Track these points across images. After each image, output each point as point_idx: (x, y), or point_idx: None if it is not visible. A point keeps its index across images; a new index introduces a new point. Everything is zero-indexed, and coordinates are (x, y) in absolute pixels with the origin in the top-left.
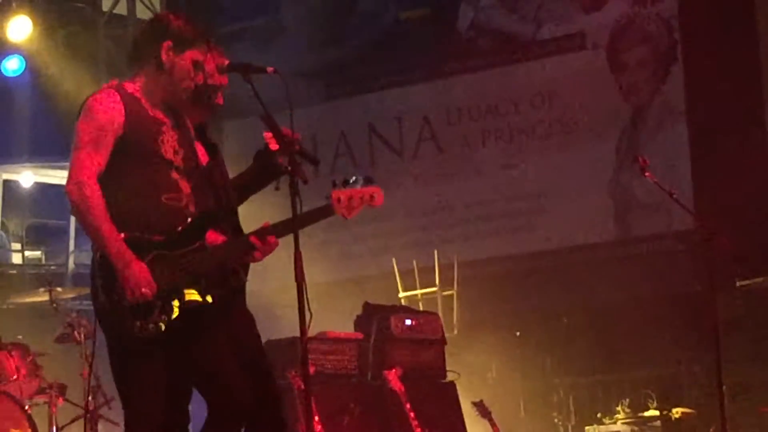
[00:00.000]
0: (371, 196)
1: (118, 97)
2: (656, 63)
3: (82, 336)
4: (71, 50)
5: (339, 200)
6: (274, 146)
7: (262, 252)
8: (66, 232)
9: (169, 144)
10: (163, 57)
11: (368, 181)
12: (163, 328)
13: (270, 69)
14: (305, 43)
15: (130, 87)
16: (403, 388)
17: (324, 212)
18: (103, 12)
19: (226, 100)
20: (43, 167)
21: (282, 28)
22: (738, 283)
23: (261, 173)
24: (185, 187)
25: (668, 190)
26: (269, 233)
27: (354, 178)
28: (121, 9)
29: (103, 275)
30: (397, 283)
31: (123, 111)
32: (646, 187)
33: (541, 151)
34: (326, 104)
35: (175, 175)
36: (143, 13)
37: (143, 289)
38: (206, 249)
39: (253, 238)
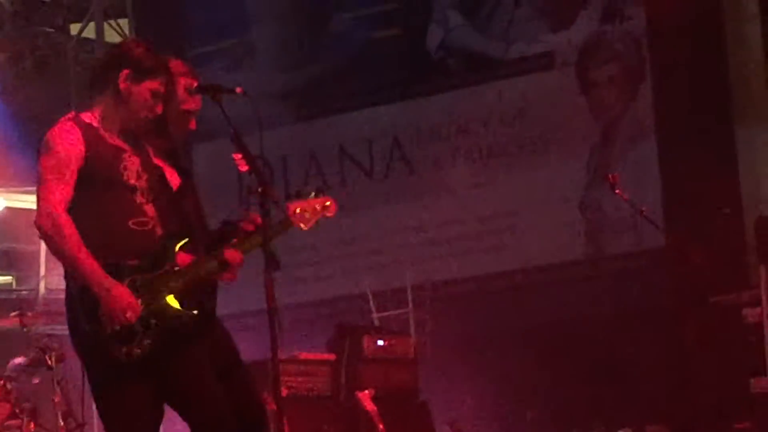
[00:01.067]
0: (324, 206)
1: (77, 129)
2: (625, 81)
3: (53, 360)
4: (40, 74)
5: (295, 212)
6: (243, 167)
7: (233, 272)
8: (36, 256)
9: (131, 170)
10: (121, 86)
11: (320, 191)
12: (148, 351)
13: (239, 89)
14: (275, 64)
15: (87, 117)
16: (375, 409)
17: (283, 225)
18: (71, 36)
19: (197, 122)
20: (13, 192)
21: (252, 49)
22: (709, 300)
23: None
24: (150, 210)
25: (639, 207)
26: (235, 250)
27: (306, 189)
28: (90, 32)
29: (85, 304)
30: (369, 303)
31: (83, 142)
32: (616, 205)
33: (512, 169)
34: (296, 125)
35: (139, 199)
36: (112, 37)
37: (128, 314)
38: (177, 271)
39: (226, 254)
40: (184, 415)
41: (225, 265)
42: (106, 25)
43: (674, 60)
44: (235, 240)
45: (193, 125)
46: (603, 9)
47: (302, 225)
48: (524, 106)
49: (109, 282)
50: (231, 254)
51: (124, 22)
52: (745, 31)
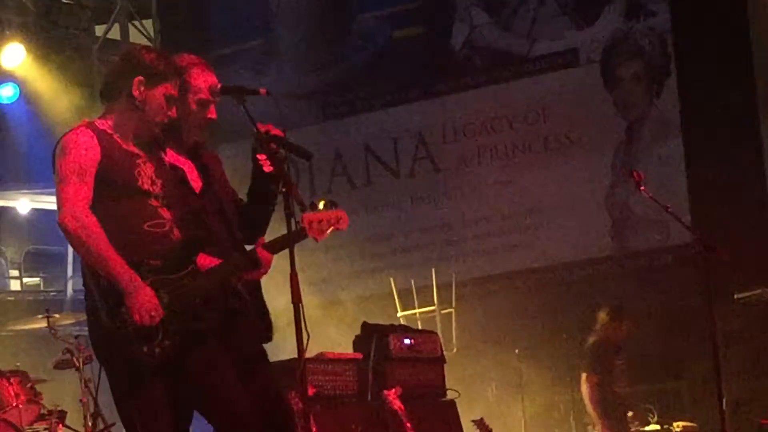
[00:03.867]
0: (338, 219)
1: (93, 135)
2: (650, 77)
3: (81, 362)
4: (65, 76)
5: (311, 224)
6: (267, 168)
7: (264, 268)
8: (64, 257)
9: (146, 176)
10: (135, 92)
11: (333, 204)
12: (168, 351)
13: (263, 90)
14: (300, 65)
15: (101, 124)
16: (403, 408)
17: (299, 235)
18: (96, 37)
19: (221, 123)
20: (39, 193)
21: (277, 50)
22: (736, 296)
23: (256, 196)
24: (166, 213)
25: (663, 204)
26: (267, 248)
27: (322, 202)
28: (114, 34)
29: (109, 301)
30: (395, 302)
31: (98, 148)
32: (642, 202)
33: (537, 167)
34: (322, 125)
35: (154, 203)
36: (137, 38)
37: (153, 314)
38: (199, 272)
39: (248, 256)
40: (208, 417)
41: (257, 264)
42: (130, 27)
43: (699, 56)
44: (262, 240)
45: (213, 114)
46: (627, 5)
47: (317, 237)
48: (549, 104)
49: (138, 281)
50: (263, 253)
51: (148, 24)
52: None
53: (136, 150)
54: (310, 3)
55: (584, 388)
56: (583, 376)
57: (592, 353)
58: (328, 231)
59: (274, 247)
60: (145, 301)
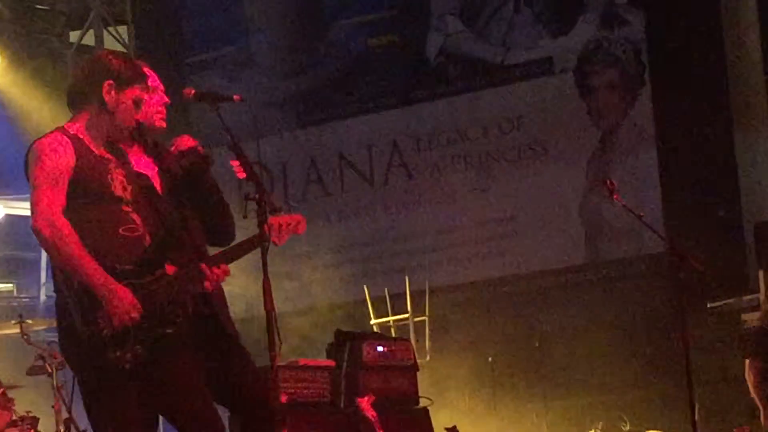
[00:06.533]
0: (297, 224)
1: (67, 140)
2: (624, 87)
3: (54, 368)
4: (39, 82)
5: (270, 228)
6: (241, 174)
7: (210, 281)
8: (37, 263)
9: (117, 181)
10: (106, 97)
11: (289, 209)
12: (139, 356)
13: (237, 97)
14: (274, 72)
15: (72, 128)
16: (375, 416)
17: (260, 239)
18: (70, 43)
19: (194, 129)
20: (13, 199)
21: (251, 57)
22: (708, 305)
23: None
24: (137, 218)
25: (637, 212)
26: (218, 261)
27: (280, 206)
28: (89, 40)
29: (83, 306)
30: (369, 310)
31: (73, 154)
32: (616, 211)
33: (511, 175)
34: (296, 132)
35: (125, 208)
36: (111, 44)
37: (132, 314)
38: (168, 277)
39: (202, 266)
40: (174, 423)
41: (204, 276)
42: (105, 33)
43: (673, 66)
44: (218, 253)
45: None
46: (602, 15)
47: (277, 240)
48: (523, 112)
49: (112, 282)
50: (204, 267)
51: (123, 30)
52: (743, 37)
53: (107, 155)
54: (285, 10)
55: (749, 375)
56: (747, 362)
57: (755, 337)
58: (288, 235)
59: (232, 255)
60: (122, 302)
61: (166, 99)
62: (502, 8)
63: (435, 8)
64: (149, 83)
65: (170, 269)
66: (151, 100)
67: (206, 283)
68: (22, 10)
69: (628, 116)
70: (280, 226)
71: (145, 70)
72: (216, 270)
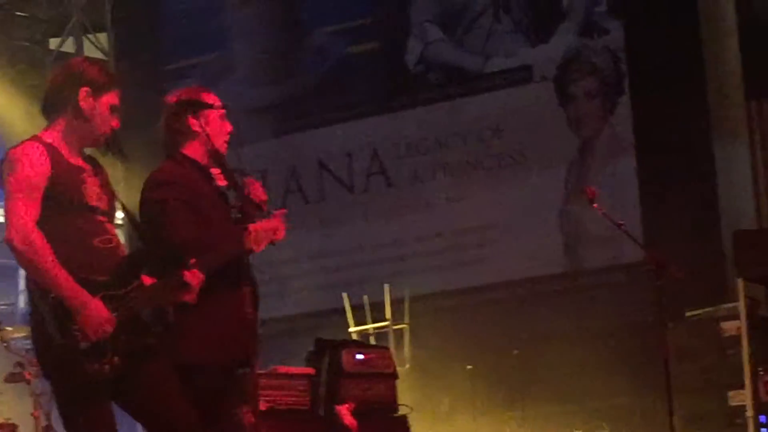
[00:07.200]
0: (275, 230)
1: (43, 149)
2: (604, 95)
3: (33, 375)
4: (19, 89)
5: (248, 235)
6: (221, 182)
7: (193, 291)
8: (15, 270)
9: (92, 191)
10: (82, 104)
11: (270, 215)
12: (117, 367)
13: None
14: (254, 79)
15: (48, 137)
16: (355, 423)
17: (239, 246)
18: (50, 51)
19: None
20: None
21: (231, 64)
22: (687, 314)
23: None
24: (112, 229)
25: (616, 221)
26: (197, 268)
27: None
28: (69, 47)
29: (58, 318)
30: (348, 317)
31: (48, 163)
32: (595, 219)
33: (491, 183)
34: (276, 140)
35: (100, 218)
36: (91, 51)
37: (105, 327)
38: (145, 287)
39: (185, 275)
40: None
41: (185, 286)
42: (85, 40)
43: (653, 74)
44: (193, 260)
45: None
46: (581, 23)
47: (255, 247)
48: (503, 120)
49: (85, 295)
50: (191, 275)
51: (103, 37)
52: (723, 45)
53: (82, 164)
54: (265, 17)
55: None
56: None
57: None
58: (266, 242)
59: (210, 263)
60: (95, 315)
61: (231, 127)
62: (481, 16)
63: (415, 16)
64: (220, 110)
65: (147, 280)
66: (221, 127)
67: (191, 295)
68: (1, 17)
69: (608, 124)
70: (258, 232)
71: (211, 97)
72: (195, 279)
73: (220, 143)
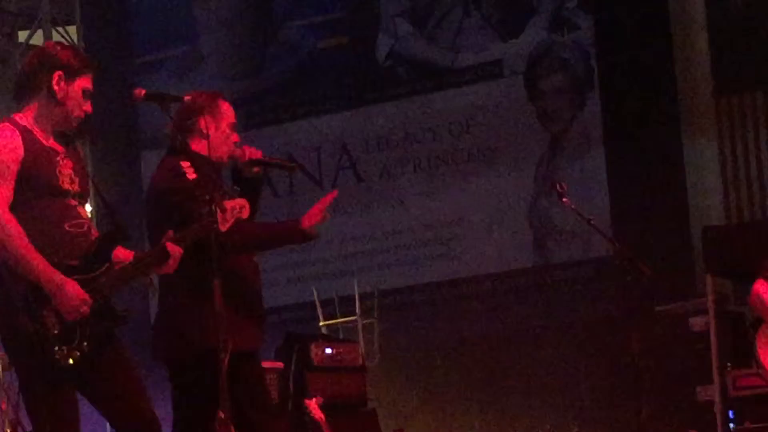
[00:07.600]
0: (241, 208)
1: (16, 132)
2: (573, 90)
3: (0, 368)
4: None
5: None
6: (192, 175)
7: (174, 260)
8: None
9: (65, 174)
10: (55, 87)
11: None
12: (86, 353)
13: (186, 97)
14: (224, 73)
15: (21, 119)
16: (323, 417)
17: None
18: (19, 43)
19: (142, 130)
20: None
21: (201, 58)
22: (656, 309)
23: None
24: (84, 212)
25: (586, 216)
26: (176, 241)
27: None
28: (38, 40)
29: (30, 303)
30: (317, 312)
31: (21, 146)
32: (564, 214)
33: (460, 178)
34: (245, 133)
35: (72, 202)
36: None
37: (82, 308)
38: (114, 270)
39: (168, 246)
40: (112, 420)
41: (166, 256)
42: (54, 33)
43: (622, 70)
44: (171, 233)
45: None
46: (552, 18)
47: (220, 226)
48: (472, 115)
49: (60, 277)
50: (172, 246)
51: (72, 30)
52: (692, 42)
53: (56, 146)
54: (235, 11)
55: None
56: None
57: None
58: (232, 221)
59: (185, 239)
60: (73, 296)
61: (238, 138)
62: (451, 11)
63: (385, 10)
64: (232, 121)
65: (123, 254)
66: (230, 136)
67: (170, 262)
68: None
69: (577, 120)
70: (225, 211)
71: (226, 106)
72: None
73: (224, 151)
